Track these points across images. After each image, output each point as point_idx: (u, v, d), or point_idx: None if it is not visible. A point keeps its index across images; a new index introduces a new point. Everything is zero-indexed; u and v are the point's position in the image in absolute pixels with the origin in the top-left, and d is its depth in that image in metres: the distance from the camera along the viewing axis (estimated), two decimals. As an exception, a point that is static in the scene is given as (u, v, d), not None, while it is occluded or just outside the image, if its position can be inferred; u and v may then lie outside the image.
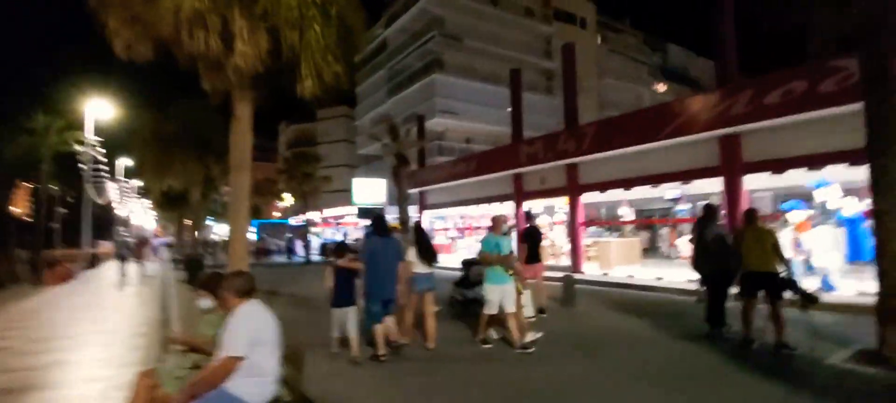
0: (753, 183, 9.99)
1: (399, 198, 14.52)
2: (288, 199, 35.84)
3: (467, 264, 8.69)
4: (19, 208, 30.66)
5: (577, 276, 11.68)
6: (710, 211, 6.14)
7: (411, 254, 5.57)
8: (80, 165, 25.75)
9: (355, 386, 4.53)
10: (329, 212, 32.70)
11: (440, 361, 5.27)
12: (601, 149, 12.23)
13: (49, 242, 27.74)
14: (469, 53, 32.15)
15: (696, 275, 7.48)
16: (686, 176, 10.74)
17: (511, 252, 5.62)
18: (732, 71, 9.76)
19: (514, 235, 11.17)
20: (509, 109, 16.96)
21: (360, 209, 23.01)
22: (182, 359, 3.15)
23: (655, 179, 11.39)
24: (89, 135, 23.95)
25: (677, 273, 11.14)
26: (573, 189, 13.57)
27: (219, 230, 60.88)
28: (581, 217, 13.65)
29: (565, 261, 14.37)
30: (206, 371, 2.72)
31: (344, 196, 30.34)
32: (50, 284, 14.15)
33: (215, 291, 3.08)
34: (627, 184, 12.03)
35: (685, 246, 14.03)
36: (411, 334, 5.78)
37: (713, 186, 10.70)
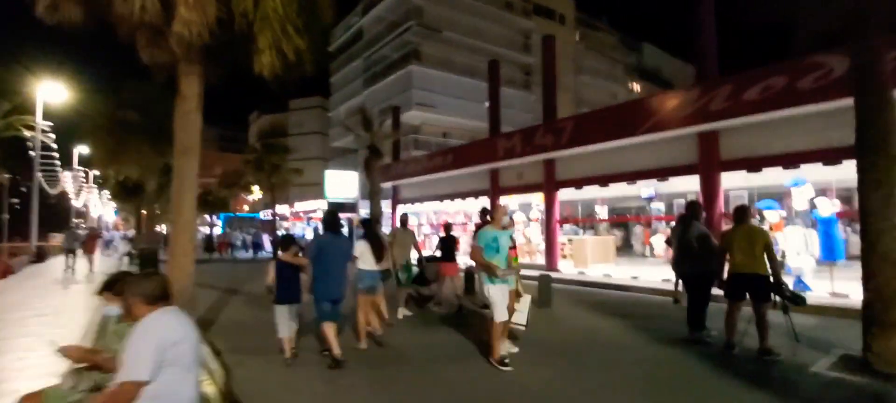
0: (729, 181, 9.91)
1: (371, 192, 13.93)
2: (257, 192, 34.54)
3: (423, 261, 8.36)
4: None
5: (553, 275, 11.40)
6: (693, 208, 5.87)
7: (364, 249, 5.28)
8: (29, 152, 24.04)
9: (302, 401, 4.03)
10: (300, 206, 31.67)
11: (401, 365, 4.86)
12: (579, 144, 11.97)
13: (-5, 234, 25.87)
14: (447, 46, 31.64)
15: (674, 275, 7.36)
16: (664, 173, 10.59)
17: (513, 247, 5.12)
18: (712, 67, 9.62)
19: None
20: (487, 104, 16.59)
21: (330, 203, 22.23)
22: (82, 379, 2.59)
23: (633, 176, 11.21)
24: (39, 119, 22.33)
25: (652, 272, 11.02)
26: (550, 185, 13.30)
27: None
28: (557, 214, 13.40)
29: (540, 260, 14.12)
30: (100, 398, 2.19)
31: (316, 189, 29.43)
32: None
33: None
34: (604, 180, 11.82)
35: (660, 244, 14.02)
36: (364, 337, 5.41)
37: (689, 184, 10.59)
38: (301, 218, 31.41)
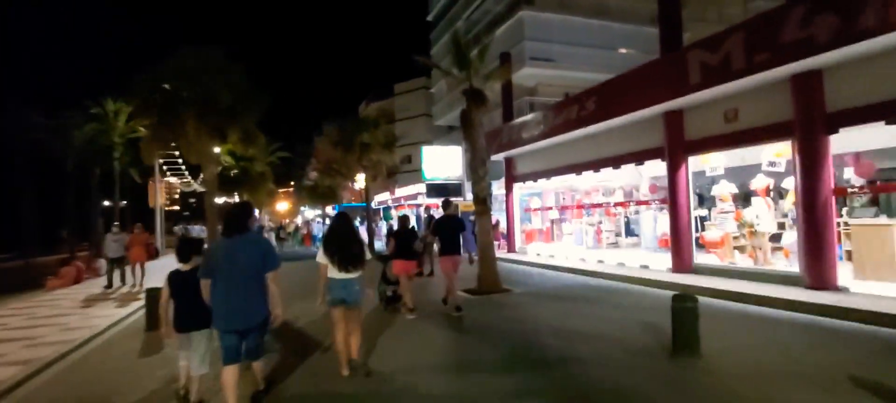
0: None
1: (472, 160, 8.95)
2: (361, 180, 32.20)
3: (383, 259, 7.52)
4: (160, 200, 31.79)
5: (827, 299, 5.36)
6: None
7: (323, 254, 4.18)
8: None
9: None
10: (401, 192, 28.30)
11: None
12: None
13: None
14: (566, -19, 25.03)
15: None
16: None
17: None
18: None
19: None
20: (623, 50, 10.50)
21: (429, 185, 17.94)
22: None
23: None
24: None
25: None
26: (812, 122, 6.84)
27: (308, 215, 60.43)
28: (829, 177, 6.86)
29: (782, 263, 7.74)
30: None
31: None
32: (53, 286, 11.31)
33: None
34: None
35: None
36: (346, 356, 4.24)
37: None
38: (403, 206, 28.09)
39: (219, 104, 11.40)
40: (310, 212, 60.23)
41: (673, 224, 9.24)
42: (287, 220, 51.72)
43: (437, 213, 9.60)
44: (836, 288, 6.61)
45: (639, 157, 10.14)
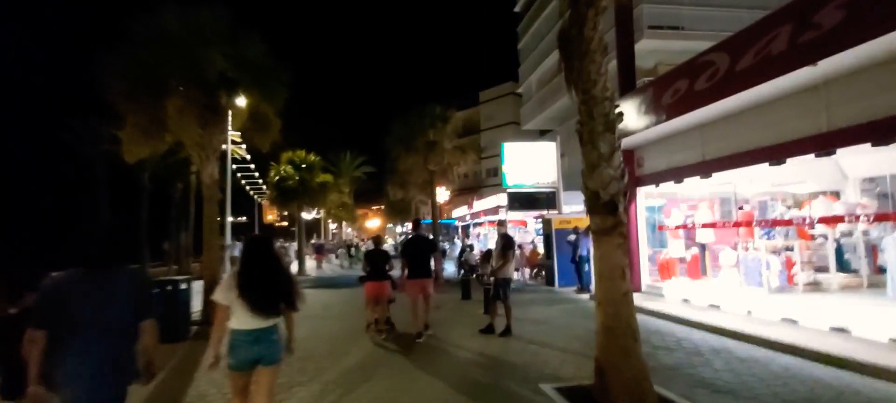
0: None
1: (588, 127, 4.30)
2: (443, 192, 28.52)
3: (360, 280, 7.45)
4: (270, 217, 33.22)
5: None
6: None
7: (229, 288, 2.85)
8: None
9: None
10: (480, 205, 23.99)
11: None
12: None
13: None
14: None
15: None
16: None
17: None
18: None
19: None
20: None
21: (511, 195, 13.42)
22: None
23: None
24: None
25: None
26: None
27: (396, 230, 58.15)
28: None
29: None
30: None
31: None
32: None
33: None
34: None
35: None
36: None
37: None
38: (483, 223, 23.76)
39: (207, 76, 8.20)
40: (398, 228, 57.84)
41: None
42: (355, 238, 49.96)
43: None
44: None
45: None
